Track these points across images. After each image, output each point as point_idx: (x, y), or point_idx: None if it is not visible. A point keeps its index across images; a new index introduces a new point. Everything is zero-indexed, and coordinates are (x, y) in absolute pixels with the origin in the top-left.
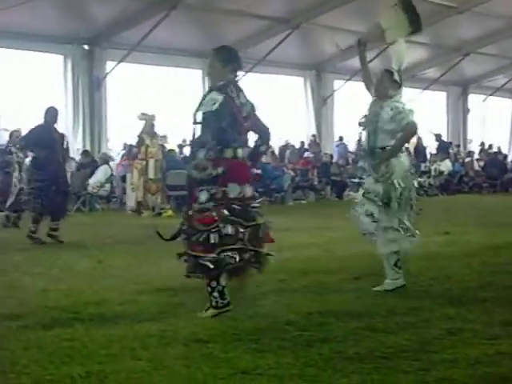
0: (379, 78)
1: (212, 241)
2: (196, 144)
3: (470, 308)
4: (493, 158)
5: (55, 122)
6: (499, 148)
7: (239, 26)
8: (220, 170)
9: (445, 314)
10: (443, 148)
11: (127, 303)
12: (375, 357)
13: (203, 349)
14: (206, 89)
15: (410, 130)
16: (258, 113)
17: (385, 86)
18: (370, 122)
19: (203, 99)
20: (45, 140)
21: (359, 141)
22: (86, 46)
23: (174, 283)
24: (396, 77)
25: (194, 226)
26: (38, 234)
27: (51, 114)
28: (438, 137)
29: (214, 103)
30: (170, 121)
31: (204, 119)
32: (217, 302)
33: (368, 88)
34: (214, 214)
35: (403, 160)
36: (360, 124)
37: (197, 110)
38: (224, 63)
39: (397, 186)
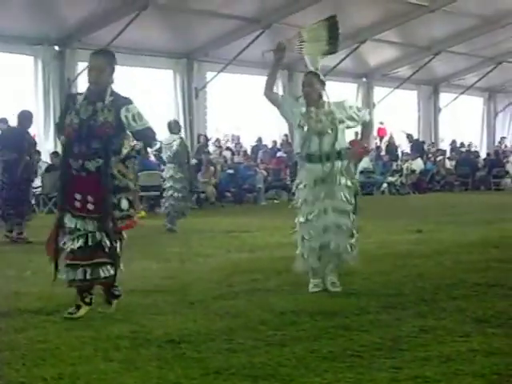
0: (307, 82)
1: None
2: (112, 152)
3: (443, 306)
4: (464, 157)
5: (30, 125)
6: (469, 145)
7: (210, 26)
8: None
9: (417, 312)
10: (417, 147)
11: (99, 304)
12: (348, 355)
13: (176, 349)
14: (178, 89)
15: (371, 126)
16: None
17: (316, 88)
18: (327, 128)
19: (131, 111)
20: (15, 143)
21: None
22: (56, 47)
23: (146, 284)
24: (322, 77)
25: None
26: (22, 235)
27: (26, 117)
28: (410, 137)
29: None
30: None
31: (142, 133)
32: (119, 291)
33: (269, 95)
34: (134, 219)
35: None
36: (312, 130)
37: (132, 121)
38: (112, 67)
39: (357, 185)
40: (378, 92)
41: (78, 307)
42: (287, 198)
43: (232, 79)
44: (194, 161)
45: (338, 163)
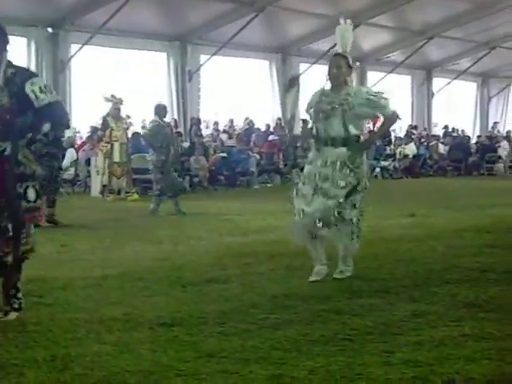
0: (334, 64)
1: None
2: (17, 134)
3: (435, 290)
4: (457, 142)
5: None
6: (463, 131)
7: (204, 8)
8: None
9: (409, 297)
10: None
11: (92, 287)
12: (340, 339)
13: (168, 332)
14: (171, 72)
15: (394, 119)
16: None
17: (343, 72)
18: (335, 111)
19: (37, 84)
20: None
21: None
22: (49, 29)
23: (139, 267)
24: (350, 61)
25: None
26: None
27: None
28: None
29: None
30: (133, 103)
31: (50, 108)
32: (20, 304)
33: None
34: (42, 212)
35: None
36: (322, 112)
37: (39, 93)
38: None
39: (365, 175)
40: (372, 76)
41: None
42: (280, 182)
43: (226, 62)
44: (186, 144)
45: (342, 149)
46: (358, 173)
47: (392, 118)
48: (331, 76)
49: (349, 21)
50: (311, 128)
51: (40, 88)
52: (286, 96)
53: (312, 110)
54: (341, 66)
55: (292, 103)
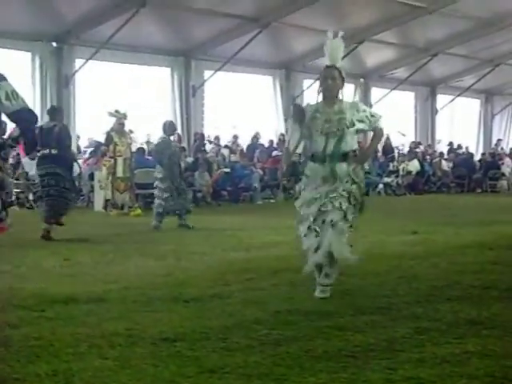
0: (329, 75)
1: None
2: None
3: (437, 307)
4: (461, 159)
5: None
6: (467, 148)
7: (208, 24)
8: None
9: (412, 313)
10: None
11: (94, 301)
12: (343, 355)
13: (171, 348)
14: (175, 87)
15: (382, 135)
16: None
17: (338, 84)
18: (334, 128)
19: (4, 88)
20: None
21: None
22: (54, 44)
23: (142, 282)
24: (343, 73)
25: None
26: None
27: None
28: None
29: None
30: (138, 118)
31: (18, 115)
32: None
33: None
34: (6, 223)
35: None
36: (318, 130)
37: (5, 100)
38: None
39: (364, 189)
40: (376, 93)
41: None
42: (283, 197)
43: (230, 78)
44: (190, 159)
45: (343, 165)
46: (360, 186)
47: (380, 133)
48: (325, 88)
49: (340, 33)
50: (295, 148)
51: (6, 93)
52: (291, 127)
53: (304, 127)
54: (335, 78)
55: (292, 136)
